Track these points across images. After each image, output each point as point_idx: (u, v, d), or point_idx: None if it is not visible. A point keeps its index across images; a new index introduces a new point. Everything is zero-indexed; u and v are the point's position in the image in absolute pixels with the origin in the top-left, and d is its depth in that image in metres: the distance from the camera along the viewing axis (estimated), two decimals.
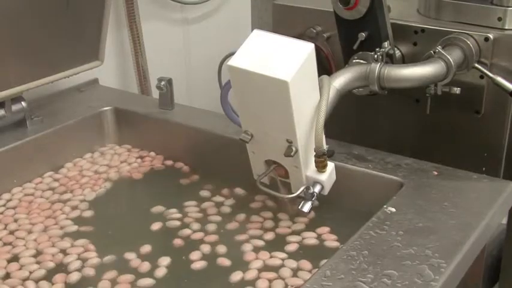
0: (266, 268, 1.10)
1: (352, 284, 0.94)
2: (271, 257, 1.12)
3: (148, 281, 1.08)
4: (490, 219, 1.11)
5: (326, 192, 1.12)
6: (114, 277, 1.09)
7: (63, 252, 1.15)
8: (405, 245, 1.03)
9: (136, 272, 1.10)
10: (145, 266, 1.11)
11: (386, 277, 0.96)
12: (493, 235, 1.17)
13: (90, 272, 1.10)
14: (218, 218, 1.25)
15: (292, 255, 1.13)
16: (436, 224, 1.08)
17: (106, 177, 1.41)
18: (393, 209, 1.12)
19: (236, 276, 1.08)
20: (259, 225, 1.22)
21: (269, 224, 1.22)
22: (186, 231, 1.20)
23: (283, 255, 1.13)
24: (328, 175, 1.11)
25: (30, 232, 1.21)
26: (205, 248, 1.15)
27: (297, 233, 1.19)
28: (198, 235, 1.19)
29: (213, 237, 1.18)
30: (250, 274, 1.08)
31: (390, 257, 1.00)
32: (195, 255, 1.14)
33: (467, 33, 1.38)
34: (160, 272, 1.10)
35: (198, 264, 1.12)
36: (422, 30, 1.43)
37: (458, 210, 1.12)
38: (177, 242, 1.18)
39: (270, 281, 1.07)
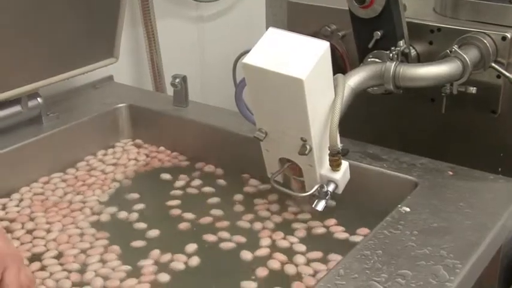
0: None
1: (366, 284, 0.94)
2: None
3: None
4: (506, 220, 1.11)
5: (340, 191, 1.12)
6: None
7: (84, 252, 1.16)
8: (420, 245, 1.02)
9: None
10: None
11: (400, 277, 0.95)
12: (508, 236, 1.16)
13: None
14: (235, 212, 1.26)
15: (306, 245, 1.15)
16: (451, 224, 1.08)
17: (124, 173, 1.42)
18: (408, 209, 1.12)
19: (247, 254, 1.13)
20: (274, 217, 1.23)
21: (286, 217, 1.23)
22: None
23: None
24: (343, 174, 1.11)
25: (49, 231, 1.22)
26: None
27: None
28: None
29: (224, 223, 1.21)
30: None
31: (404, 256, 1.00)
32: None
33: (484, 33, 1.37)
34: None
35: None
36: (439, 29, 1.43)
37: (474, 210, 1.12)
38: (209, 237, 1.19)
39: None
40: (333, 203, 1.14)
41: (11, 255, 0.92)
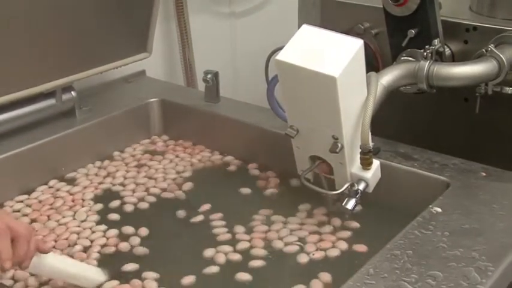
0: None
1: (395, 284, 0.93)
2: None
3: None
4: None
5: (371, 190, 1.12)
6: None
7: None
8: (451, 246, 1.02)
9: None
10: None
11: (430, 278, 0.95)
12: None
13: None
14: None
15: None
16: (483, 226, 1.07)
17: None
18: (439, 209, 1.11)
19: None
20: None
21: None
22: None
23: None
24: (373, 173, 1.11)
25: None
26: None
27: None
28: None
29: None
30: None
31: (435, 257, 0.99)
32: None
33: None
34: None
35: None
36: (474, 28, 1.41)
37: (507, 212, 1.10)
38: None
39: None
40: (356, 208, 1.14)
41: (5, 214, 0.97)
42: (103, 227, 1.22)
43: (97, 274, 1.08)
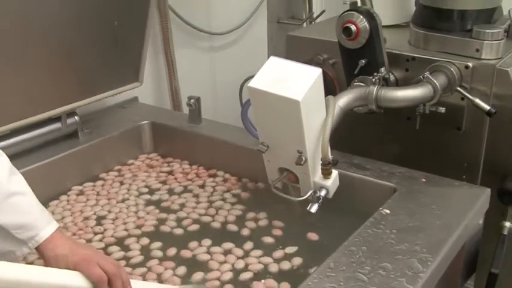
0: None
1: (352, 275, 0.94)
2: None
3: None
4: (469, 220, 1.11)
5: (330, 195, 1.11)
6: None
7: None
8: (398, 241, 1.02)
9: None
10: None
11: (381, 269, 0.95)
12: (471, 234, 1.16)
13: None
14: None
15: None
16: (424, 224, 1.08)
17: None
18: (388, 211, 1.12)
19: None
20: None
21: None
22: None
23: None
24: (333, 181, 1.11)
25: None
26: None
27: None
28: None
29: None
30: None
31: (385, 252, 1.00)
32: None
33: (450, 62, 1.37)
34: None
35: None
36: (413, 58, 1.43)
37: (443, 212, 1.12)
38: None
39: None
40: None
41: (94, 252, 0.94)
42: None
43: None
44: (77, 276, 0.89)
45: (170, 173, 1.45)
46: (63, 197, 1.34)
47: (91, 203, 1.32)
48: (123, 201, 1.33)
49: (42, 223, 0.94)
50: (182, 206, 1.31)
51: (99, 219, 1.26)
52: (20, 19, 1.22)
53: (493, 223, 1.36)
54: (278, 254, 1.13)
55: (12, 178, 0.94)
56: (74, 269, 0.89)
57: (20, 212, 0.93)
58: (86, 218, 1.26)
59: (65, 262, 0.90)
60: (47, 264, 0.93)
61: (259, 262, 1.11)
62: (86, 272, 0.88)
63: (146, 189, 1.38)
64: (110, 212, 1.29)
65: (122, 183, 1.40)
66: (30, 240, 0.92)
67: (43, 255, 0.94)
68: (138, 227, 1.23)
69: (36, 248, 0.93)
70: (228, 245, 1.16)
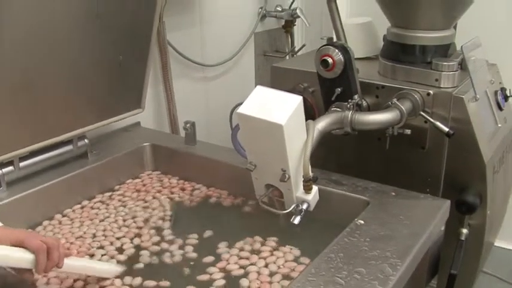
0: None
1: (331, 279, 0.94)
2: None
3: None
4: (432, 228, 1.11)
5: (311, 208, 1.11)
6: None
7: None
8: (371, 248, 1.03)
9: None
10: None
11: (357, 273, 0.95)
12: (433, 240, 1.16)
13: None
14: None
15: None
16: (394, 232, 1.08)
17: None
18: (362, 222, 1.12)
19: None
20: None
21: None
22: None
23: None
24: (313, 195, 1.11)
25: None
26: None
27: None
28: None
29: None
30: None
31: (360, 258, 1.00)
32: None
33: (414, 90, 1.39)
34: None
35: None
36: (383, 86, 1.44)
37: (410, 222, 1.12)
38: None
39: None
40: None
41: (29, 231, 0.95)
42: None
43: (115, 266, 1.07)
44: (20, 249, 0.90)
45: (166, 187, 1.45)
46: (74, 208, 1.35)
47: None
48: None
49: None
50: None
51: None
52: (37, 52, 1.23)
53: (452, 230, 1.38)
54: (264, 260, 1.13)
55: None
56: (17, 245, 0.91)
57: None
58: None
59: (8, 239, 0.91)
60: None
61: (245, 268, 1.10)
62: (27, 243, 0.90)
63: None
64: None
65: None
66: None
67: None
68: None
69: None
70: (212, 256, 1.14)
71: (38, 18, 1.19)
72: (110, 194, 1.41)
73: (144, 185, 1.46)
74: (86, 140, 1.44)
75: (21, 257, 0.90)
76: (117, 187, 1.45)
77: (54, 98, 1.32)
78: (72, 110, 1.37)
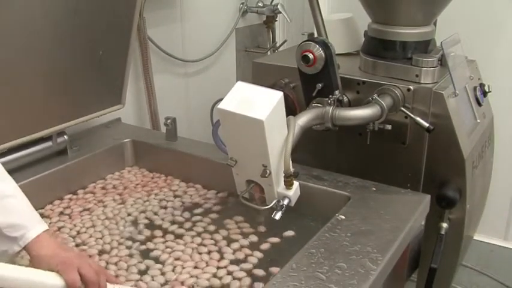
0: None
1: (312, 274, 0.94)
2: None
3: None
4: (412, 223, 1.12)
5: (292, 204, 1.11)
6: None
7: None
8: (352, 243, 1.03)
9: None
10: None
11: (338, 268, 0.96)
12: (414, 235, 1.17)
13: None
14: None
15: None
16: (374, 227, 1.08)
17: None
18: (343, 217, 1.12)
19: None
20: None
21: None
22: None
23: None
24: (294, 191, 1.10)
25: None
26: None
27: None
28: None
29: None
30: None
31: (341, 253, 1.00)
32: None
33: (395, 85, 1.39)
34: None
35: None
36: (363, 82, 1.44)
37: (391, 216, 1.12)
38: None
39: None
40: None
41: (76, 257, 0.90)
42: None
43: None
44: (54, 276, 0.85)
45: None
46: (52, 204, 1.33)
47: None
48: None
49: (31, 223, 0.92)
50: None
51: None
52: (16, 48, 1.21)
53: (432, 224, 1.39)
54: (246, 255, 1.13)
55: (5, 182, 0.94)
56: (54, 271, 0.86)
57: (12, 212, 0.92)
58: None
59: (46, 263, 0.87)
60: (31, 263, 0.90)
61: (228, 262, 1.10)
62: (63, 274, 0.86)
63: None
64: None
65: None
66: (19, 239, 0.90)
67: (29, 255, 0.91)
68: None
69: (25, 248, 0.91)
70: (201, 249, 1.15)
71: (16, 14, 1.17)
72: (89, 190, 1.40)
73: (124, 181, 1.44)
74: (65, 137, 1.42)
75: (52, 286, 0.85)
76: (97, 183, 1.43)
77: (33, 94, 1.29)
78: (52, 106, 1.35)
